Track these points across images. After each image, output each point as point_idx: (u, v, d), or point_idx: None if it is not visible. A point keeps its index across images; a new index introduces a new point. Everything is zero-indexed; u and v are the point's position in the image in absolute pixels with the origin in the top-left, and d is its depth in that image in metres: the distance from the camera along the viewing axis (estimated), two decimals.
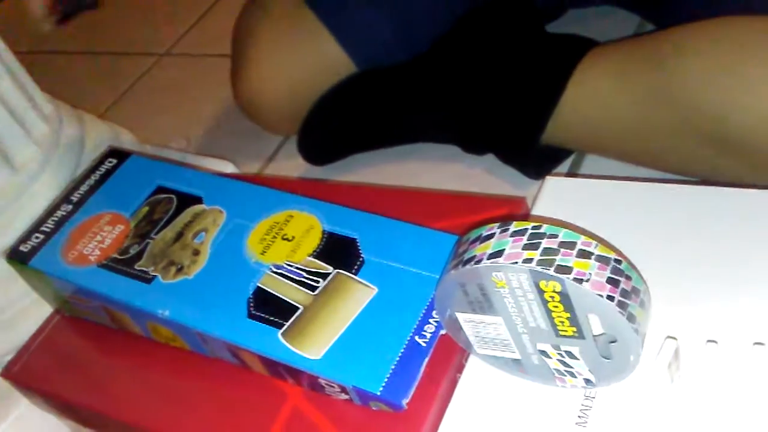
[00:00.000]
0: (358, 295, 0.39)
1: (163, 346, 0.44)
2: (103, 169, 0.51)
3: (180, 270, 0.43)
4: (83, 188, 0.49)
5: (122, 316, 0.44)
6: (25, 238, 0.48)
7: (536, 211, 0.43)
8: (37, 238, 0.47)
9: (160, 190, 0.48)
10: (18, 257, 0.47)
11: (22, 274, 0.48)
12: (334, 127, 0.70)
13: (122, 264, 0.44)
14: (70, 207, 0.49)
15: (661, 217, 0.40)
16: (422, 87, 0.65)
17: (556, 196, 0.44)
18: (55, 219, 0.48)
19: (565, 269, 0.29)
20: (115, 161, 0.51)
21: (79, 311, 0.48)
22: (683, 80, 0.48)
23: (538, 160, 0.61)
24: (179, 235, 0.45)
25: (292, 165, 0.75)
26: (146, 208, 0.47)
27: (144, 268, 0.44)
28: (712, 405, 0.32)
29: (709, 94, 0.47)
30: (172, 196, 0.48)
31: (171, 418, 0.41)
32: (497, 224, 0.32)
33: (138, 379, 0.44)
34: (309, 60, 0.68)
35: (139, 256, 0.44)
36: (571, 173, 0.62)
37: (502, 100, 0.60)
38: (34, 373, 0.47)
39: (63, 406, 0.46)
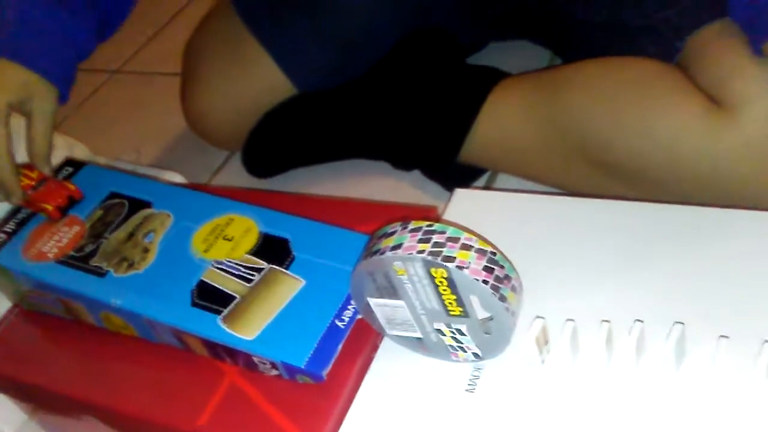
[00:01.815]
0: (288, 286, 0.46)
1: (115, 334, 0.50)
2: (60, 176, 0.56)
3: (131, 265, 0.49)
4: None
5: (78, 306, 0.49)
6: None
7: (446, 217, 0.51)
8: None
9: (113, 195, 0.54)
10: None
11: None
12: (276, 144, 0.77)
13: (78, 260, 0.50)
14: (30, 210, 0.54)
15: (544, 223, 0.48)
16: (356, 110, 0.73)
17: (463, 204, 0.52)
18: (17, 221, 0.53)
19: (450, 258, 0.37)
20: (71, 170, 0.57)
21: (37, 304, 0.53)
22: (571, 111, 0.57)
23: (456, 175, 0.68)
24: (130, 236, 0.51)
25: (237, 178, 0.81)
26: (100, 212, 0.53)
27: (98, 264, 0.49)
28: (573, 371, 0.39)
29: (591, 125, 0.56)
30: (124, 201, 0.53)
31: (121, 394, 0.46)
32: (399, 223, 0.39)
33: (90, 362, 0.49)
34: (252, 83, 0.75)
35: (93, 253, 0.50)
36: (486, 187, 0.70)
37: (425, 124, 0.68)
38: None
39: (20, 389, 0.51)
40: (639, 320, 0.38)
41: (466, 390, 0.41)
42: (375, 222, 0.52)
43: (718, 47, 0.53)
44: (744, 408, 0.35)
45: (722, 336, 0.36)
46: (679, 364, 0.37)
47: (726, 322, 0.38)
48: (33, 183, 0.54)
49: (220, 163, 0.84)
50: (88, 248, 0.50)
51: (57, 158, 0.59)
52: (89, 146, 0.79)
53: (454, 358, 0.42)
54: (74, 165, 0.57)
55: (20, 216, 0.53)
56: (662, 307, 0.40)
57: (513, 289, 0.38)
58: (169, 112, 0.93)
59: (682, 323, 0.37)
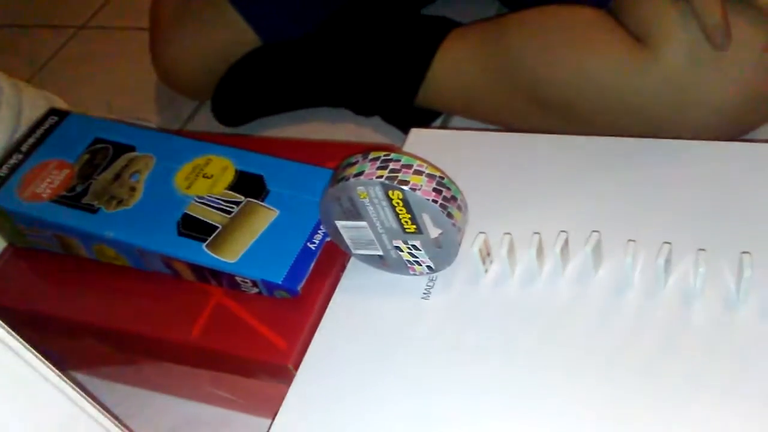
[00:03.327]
0: (264, 216, 0.51)
1: (108, 265, 0.55)
2: (46, 124, 0.60)
3: (120, 202, 0.54)
4: (31, 140, 0.59)
5: (72, 241, 0.55)
6: None
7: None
8: None
9: (98, 141, 0.59)
10: None
11: None
12: (243, 94, 0.81)
13: (71, 199, 0.55)
14: (21, 156, 0.58)
15: (488, 155, 0.54)
16: (317, 60, 0.78)
17: (417, 142, 0.58)
18: (9, 166, 0.57)
19: (404, 182, 0.43)
20: (56, 118, 0.61)
21: (33, 242, 0.58)
22: (512, 55, 0.63)
23: (413, 119, 0.74)
24: (117, 176, 0.56)
25: (207, 126, 0.85)
26: (87, 156, 0.58)
27: (89, 202, 0.54)
28: (512, 276, 0.46)
29: (530, 65, 0.62)
30: (109, 145, 0.58)
31: (118, 315, 0.52)
32: (361, 154, 0.45)
33: (86, 289, 0.54)
34: (220, 35, 0.79)
35: (84, 193, 0.55)
36: (441, 128, 0.76)
37: (383, 71, 0.74)
38: None
39: (20, 319, 0.56)
40: (564, 231, 0.45)
41: (422, 298, 0.48)
42: (339, 160, 0.58)
43: None
44: (648, 301, 0.43)
45: (630, 240, 0.43)
46: (598, 262, 0.45)
47: (635, 230, 0.46)
48: None
49: (189, 112, 0.89)
50: (79, 188, 0.55)
51: (40, 109, 0.64)
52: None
53: (411, 272, 0.49)
54: (59, 114, 0.61)
55: (11, 162, 0.58)
56: (584, 222, 0.47)
57: (459, 208, 0.45)
58: (136, 65, 0.96)
59: (599, 231, 0.44)
